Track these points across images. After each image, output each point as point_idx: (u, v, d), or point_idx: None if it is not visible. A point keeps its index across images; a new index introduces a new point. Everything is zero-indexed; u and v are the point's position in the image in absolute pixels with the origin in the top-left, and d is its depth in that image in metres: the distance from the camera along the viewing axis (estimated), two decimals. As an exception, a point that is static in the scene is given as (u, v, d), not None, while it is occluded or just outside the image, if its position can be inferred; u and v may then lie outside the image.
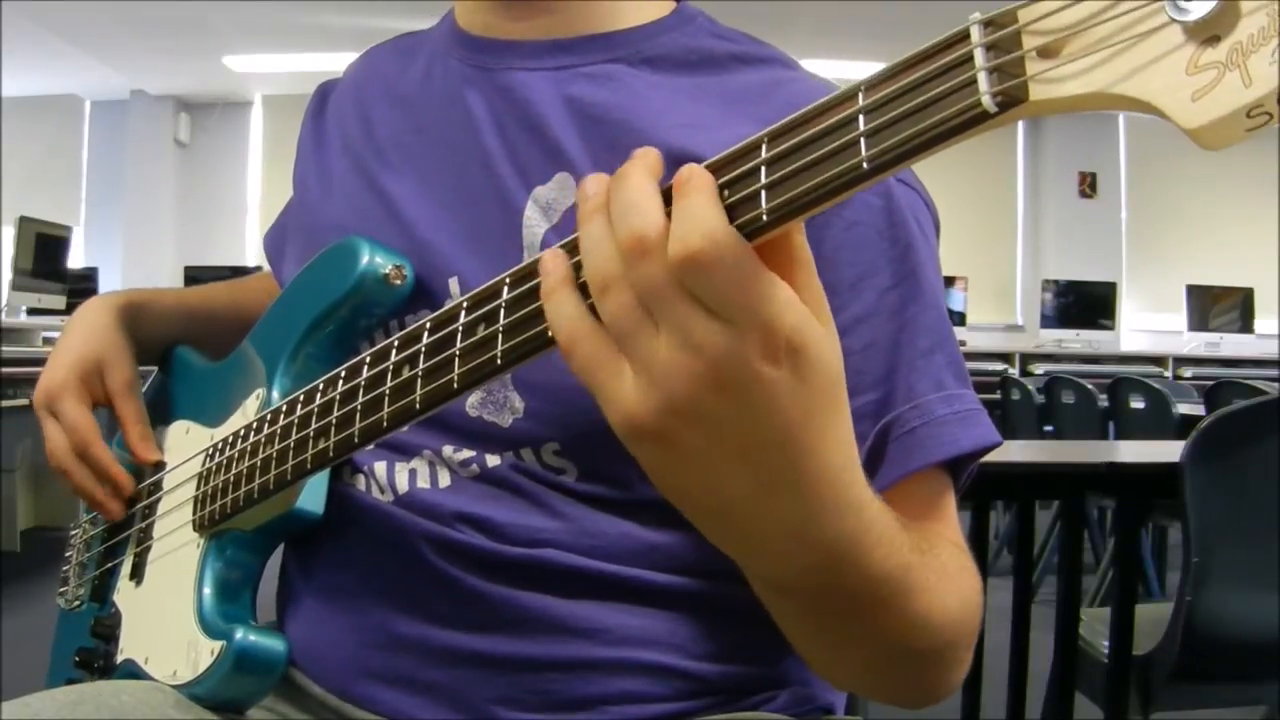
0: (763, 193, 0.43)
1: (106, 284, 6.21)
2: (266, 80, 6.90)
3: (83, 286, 5.55)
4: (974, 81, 0.38)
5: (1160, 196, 7.36)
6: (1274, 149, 5.94)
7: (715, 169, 0.44)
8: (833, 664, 0.60)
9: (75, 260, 5.66)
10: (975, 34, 0.38)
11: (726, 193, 0.44)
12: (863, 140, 0.41)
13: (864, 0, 5.21)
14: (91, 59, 6.42)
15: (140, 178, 7.13)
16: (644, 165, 0.45)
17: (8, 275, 4.74)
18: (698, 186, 0.43)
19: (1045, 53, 0.37)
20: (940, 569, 0.57)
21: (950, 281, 6.66)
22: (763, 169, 0.43)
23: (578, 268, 0.47)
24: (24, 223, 4.80)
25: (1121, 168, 7.40)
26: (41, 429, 0.86)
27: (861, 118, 0.41)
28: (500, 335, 0.51)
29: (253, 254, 7.23)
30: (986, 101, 0.38)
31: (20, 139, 6.71)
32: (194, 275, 6.52)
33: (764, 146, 0.43)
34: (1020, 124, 7.36)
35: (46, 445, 0.85)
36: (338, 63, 0.91)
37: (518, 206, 0.69)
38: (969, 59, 0.38)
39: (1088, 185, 7.33)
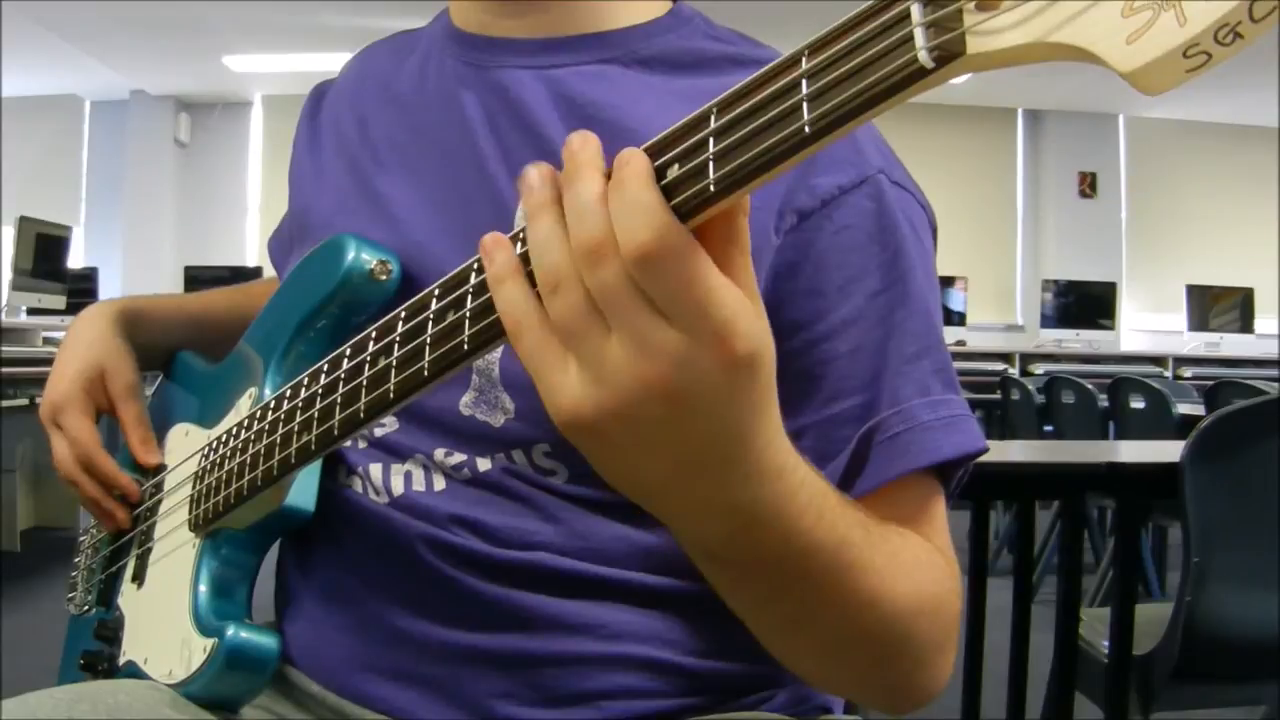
0: (710, 163, 0.42)
1: (106, 284, 6.21)
2: (266, 80, 6.90)
3: (83, 286, 5.56)
4: (911, 38, 0.37)
5: (1160, 196, 7.36)
6: (1274, 149, 5.95)
7: (667, 142, 0.44)
8: (788, 651, 0.60)
9: (75, 260, 5.66)
10: None
11: (676, 166, 0.43)
12: (805, 104, 0.40)
13: (864, 1, 5.20)
14: (91, 59, 6.42)
15: (140, 178, 7.13)
16: (597, 165, 0.44)
17: (8, 275, 4.75)
18: (634, 174, 0.43)
19: (984, 4, 0.36)
20: (890, 553, 0.56)
21: (950, 281, 6.66)
22: (711, 139, 0.42)
23: (526, 256, 0.46)
24: (24, 223, 4.80)
25: (1121, 167, 7.41)
26: (49, 440, 0.86)
27: (804, 82, 0.40)
28: (467, 320, 0.51)
29: (253, 254, 7.23)
30: (923, 57, 0.37)
31: (20, 139, 6.71)
32: (194, 275, 6.52)
33: (713, 116, 0.43)
34: (1020, 124, 7.38)
35: (54, 457, 0.85)
36: (337, 63, 0.91)
37: (510, 206, 0.69)
38: (906, 15, 0.38)
39: (1088, 185, 7.34)
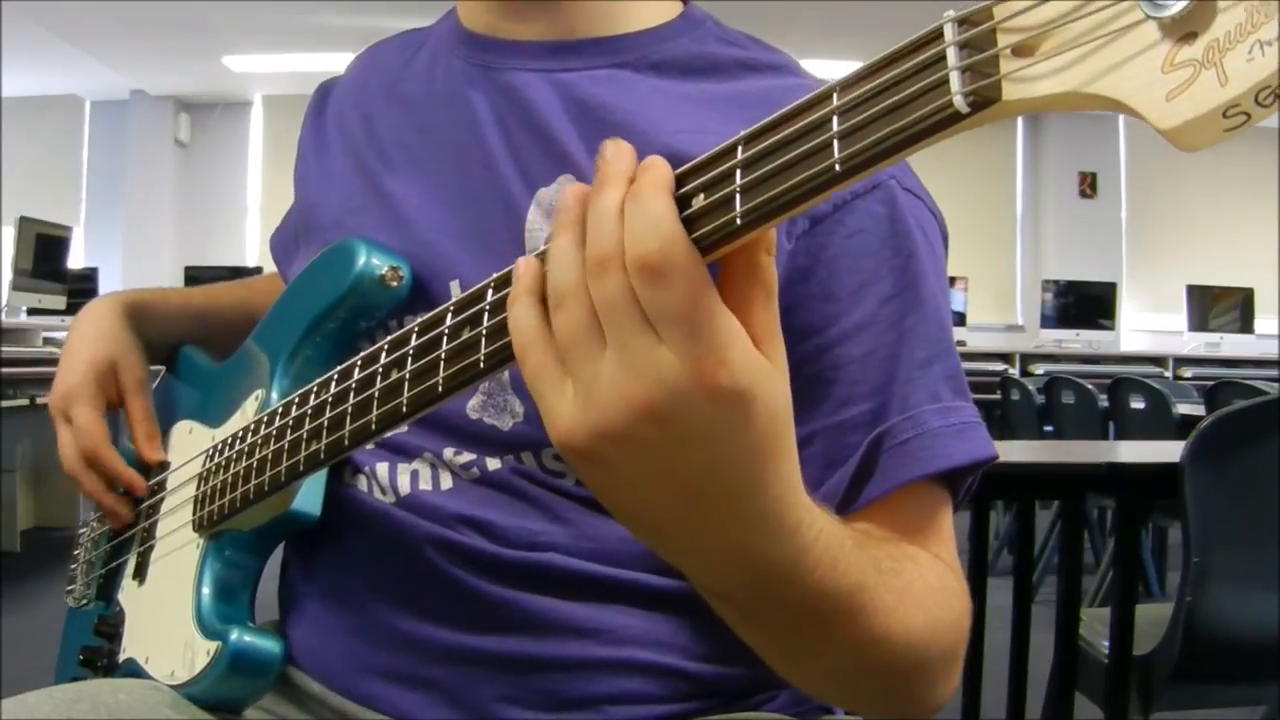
0: (738, 195, 0.42)
1: (106, 284, 6.21)
2: (266, 80, 6.90)
3: (83, 286, 5.55)
4: (946, 81, 0.37)
5: (1160, 196, 7.36)
6: (1274, 149, 5.93)
7: (693, 171, 0.44)
8: (794, 675, 0.60)
9: (75, 260, 5.66)
10: (949, 32, 0.37)
11: (703, 196, 0.43)
12: (836, 142, 0.40)
13: (866, 0, 5.20)
14: (91, 59, 6.42)
15: (140, 178, 7.12)
16: (626, 176, 0.44)
17: (8, 275, 4.75)
18: (651, 181, 0.43)
19: (1020, 51, 0.36)
20: (903, 588, 0.56)
21: (950, 282, 6.62)
22: (738, 171, 0.42)
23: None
24: (24, 223, 4.80)
25: (1121, 167, 7.40)
26: (55, 432, 0.86)
27: (835, 119, 0.40)
28: (483, 339, 0.50)
29: (253, 254, 7.23)
30: (958, 102, 0.37)
31: (20, 139, 6.70)
32: (194, 275, 6.52)
33: (740, 149, 0.43)
34: (1020, 124, 7.37)
35: (59, 449, 0.85)
36: (338, 63, 0.91)
37: (520, 209, 0.69)
38: (942, 58, 0.37)
39: (1088, 185, 7.34)
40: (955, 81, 0.37)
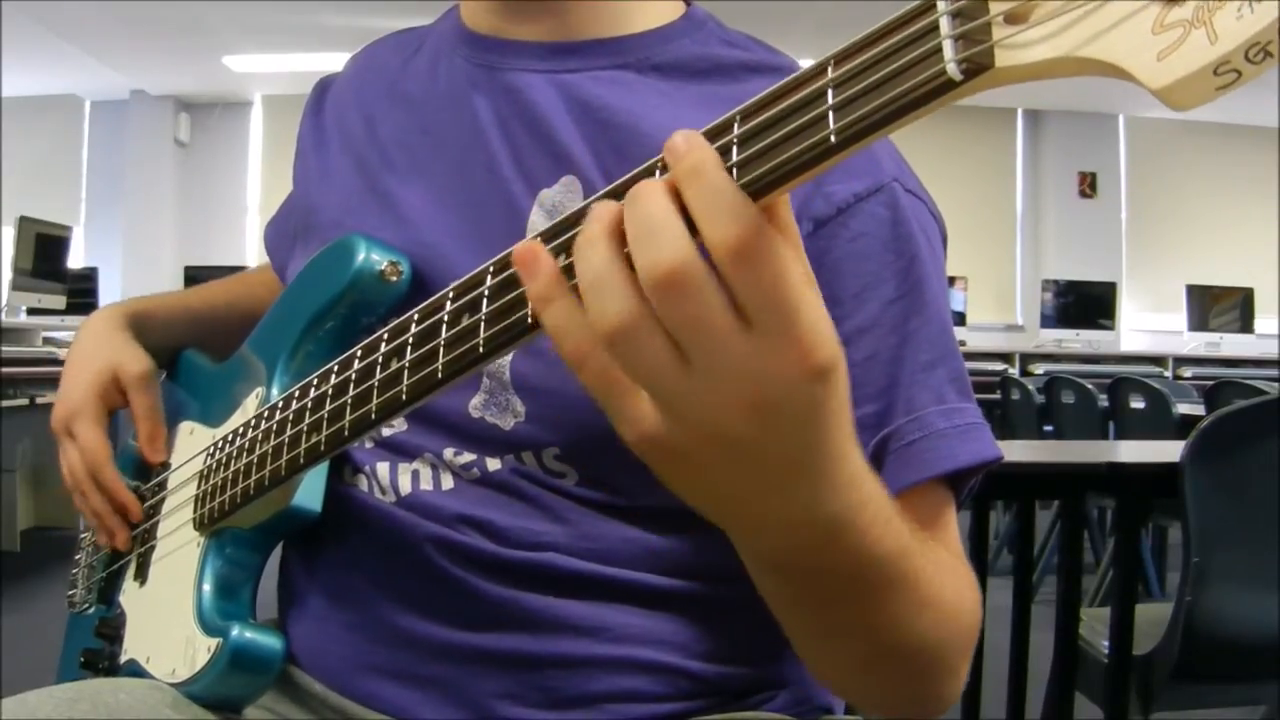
0: (734, 170, 0.42)
1: (106, 284, 6.21)
2: (266, 80, 6.90)
3: (83, 286, 5.56)
4: (939, 50, 0.37)
5: (1160, 196, 7.36)
6: (1274, 149, 5.94)
7: None
8: (823, 659, 0.60)
9: (75, 260, 5.65)
10: (941, 1, 0.38)
11: None
12: (831, 114, 0.40)
13: (866, 1, 5.20)
14: (91, 59, 6.42)
15: (140, 178, 7.12)
16: (664, 182, 0.42)
17: (8, 275, 4.74)
18: (710, 160, 0.41)
19: (1012, 18, 0.36)
20: (937, 561, 0.56)
21: (950, 281, 6.63)
22: (735, 147, 0.42)
23: (569, 268, 0.44)
24: (24, 223, 4.80)
25: (1121, 167, 7.40)
26: (60, 448, 0.86)
27: (830, 91, 0.40)
28: (482, 323, 0.50)
29: (253, 254, 7.22)
30: (952, 69, 0.37)
31: (20, 139, 6.70)
32: (194, 275, 6.52)
33: (736, 123, 0.43)
34: (1020, 123, 7.37)
35: (63, 466, 0.85)
36: (337, 63, 0.91)
37: (523, 210, 0.69)
38: (935, 27, 0.38)
39: (1088, 185, 7.34)
40: (948, 50, 0.37)
